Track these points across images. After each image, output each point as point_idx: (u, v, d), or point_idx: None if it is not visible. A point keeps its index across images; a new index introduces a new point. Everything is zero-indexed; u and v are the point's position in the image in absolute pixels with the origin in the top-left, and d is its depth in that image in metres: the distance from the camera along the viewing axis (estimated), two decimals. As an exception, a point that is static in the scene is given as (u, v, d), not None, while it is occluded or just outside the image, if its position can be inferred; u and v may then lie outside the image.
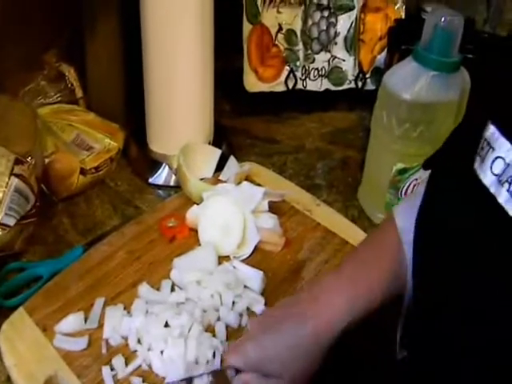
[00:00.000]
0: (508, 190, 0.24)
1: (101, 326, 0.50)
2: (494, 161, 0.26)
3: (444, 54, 0.60)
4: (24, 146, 0.63)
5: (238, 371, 0.41)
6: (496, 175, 0.25)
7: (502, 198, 0.25)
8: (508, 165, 0.24)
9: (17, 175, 0.60)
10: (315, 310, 0.40)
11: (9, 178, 0.59)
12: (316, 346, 0.39)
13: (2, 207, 0.57)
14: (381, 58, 0.88)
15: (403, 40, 0.77)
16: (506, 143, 0.25)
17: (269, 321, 0.43)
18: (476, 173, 0.27)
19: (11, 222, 0.58)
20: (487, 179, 0.26)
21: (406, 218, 0.39)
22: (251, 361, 0.41)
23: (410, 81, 0.61)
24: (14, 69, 0.75)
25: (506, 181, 0.25)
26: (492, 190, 0.26)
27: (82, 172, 0.69)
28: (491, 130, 0.26)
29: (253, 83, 0.85)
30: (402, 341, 0.41)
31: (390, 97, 0.63)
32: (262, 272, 0.55)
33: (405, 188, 0.64)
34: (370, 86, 0.88)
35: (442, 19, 0.58)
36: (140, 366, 0.46)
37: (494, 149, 0.26)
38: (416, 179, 0.63)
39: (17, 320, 0.50)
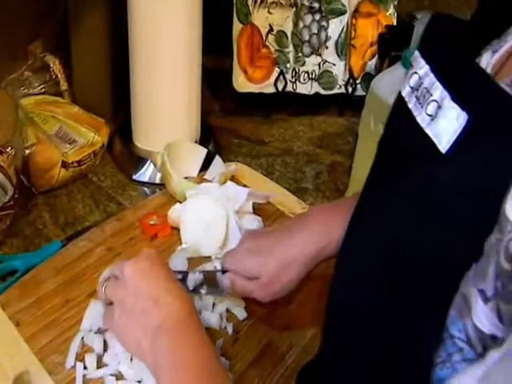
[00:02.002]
0: (416, 96, 0.31)
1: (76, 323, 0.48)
2: (411, 76, 0.32)
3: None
4: (3, 135, 0.62)
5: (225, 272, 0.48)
6: (411, 87, 0.32)
7: (411, 103, 0.32)
8: (420, 77, 0.31)
9: (-4, 165, 0.58)
10: (304, 232, 0.46)
11: (-13, 168, 0.57)
12: (297, 260, 0.45)
13: (-21, 198, 0.56)
14: (371, 64, 0.88)
15: (394, 46, 0.78)
16: (422, 61, 0.32)
17: (258, 232, 0.50)
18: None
19: (-12, 213, 0.56)
20: (405, 92, 0.33)
21: None
22: (236, 260, 0.47)
23: (397, 86, 0.60)
24: (-2, 57, 0.74)
25: (416, 89, 0.31)
26: (406, 99, 0.32)
27: (64, 165, 0.68)
28: (416, 54, 0.33)
29: (242, 83, 0.85)
30: None
31: (377, 102, 0.63)
32: None
33: (390, 194, 0.64)
34: (360, 92, 0.88)
35: (432, 26, 0.59)
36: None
37: (413, 67, 0.33)
38: (402, 185, 0.63)
39: (-11, 314, 0.48)
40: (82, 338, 0.47)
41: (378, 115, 0.62)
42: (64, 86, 0.80)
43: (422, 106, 0.30)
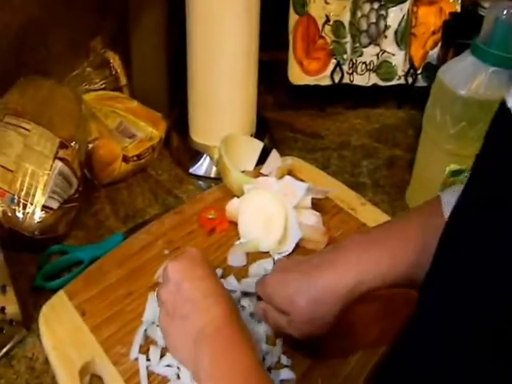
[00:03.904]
0: None
1: (139, 315, 0.49)
2: None
3: (505, 48, 0.56)
4: (68, 130, 0.63)
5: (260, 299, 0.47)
6: None
7: None
8: None
9: (61, 159, 0.60)
10: (336, 266, 0.41)
11: (53, 162, 0.59)
12: (329, 298, 0.41)
13: (46, 190, 0.58)
14: (433, 53, 0.84)
15: (459, 34, 0.74)
16: None
17: (290, 263, 0.46)
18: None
19: (54, 205, 0.58)
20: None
21: (452, 195, 0.39)
22: (264, 293, 0.45)
23: (467, 76, 0.58)
24: (61, 54, 0.76)
25: None
26: None
27: (125, 159, 0.69)
28: None
29: (297, 76, 0.83)
30: None
31: (444, 93, 0.60)
32: None
33: (458, 190, 0.60)
34: (421, 83, 0.85)
35: (504, 12, 0.55)
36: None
37: None
38: (471, 181, 0.60)
39: (57, 303, 0.50)
40: (146, 331, 0.47)
41: (445, 107, 0.59)
42: (123, 81, 0.81)
43: None
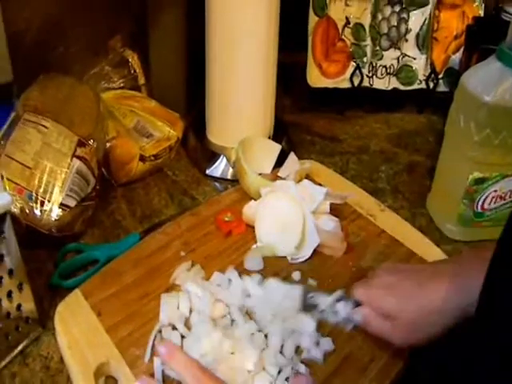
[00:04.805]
0: None
1: (154, 316, 0.49)
2: None
3: (532, 55, 0.55)
4: (87, 128, 0.63)
5: (358, 305, 0.44)
6: None
7: None
8: None
9: (79, 157, 0.60)
10: (455, 282, 0.40)
11: (71, 160, 0.59)
12: (438, 312, 0.40)
13: (64, 188, 0.58)
14: (455, 58, 0.83)
15: (483, 39, 0.72)
16: None
17: (402, 267, 0.46)
18: None
19: (72, 203, 0.58)
20: None
21: None
22: (371, 294, 0.43)
23: (492, 82, 0.57)
24: (80, 53, 0.76)
25: None
26: None
27: (142, 159, 0.69)
28: None
29: (316, 78, 0.82)
30: None
31: (468, 99, 0.58)
32: None
33: (482, 200, 0.59)
34: (442, 88, 0.83)
35: (532, 17, 0.54)
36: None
37: None
38: (495, 190, 0.58)
39: (73, 302, 0.50)
40: (161, 332, 0.47)
41: (469, 112, 0.58)
42: (142, 80, 0.81)
43: None
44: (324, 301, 0.46)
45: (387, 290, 0.43)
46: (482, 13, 0.84)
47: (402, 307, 0.41)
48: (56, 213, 0.57)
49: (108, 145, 0.67)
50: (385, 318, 0.42)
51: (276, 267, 0.55)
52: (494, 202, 0.60)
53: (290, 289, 0.48)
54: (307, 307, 0.46)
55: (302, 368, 0.45)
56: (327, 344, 0.46)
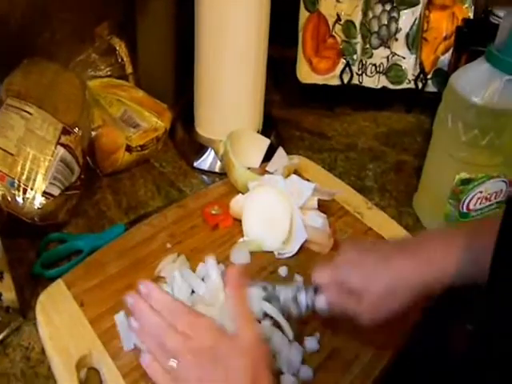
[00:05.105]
0: None
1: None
2: None
3: (521, 57, 0.55)
4: (72, 116, 0.62)
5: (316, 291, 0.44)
6: None
7: None
8: None
9: (63, 145, 0.59)
10: (418, 258, 0.40)
11: (55, 147, 0.58)
12: (402, 287, 0.40)
13: (47, 176, 0.57)
14: (444, 58, 0.84)
15: (472, 41, 0.73)
16: None
17: (365, 244, 0.46)
18: None
19: (55, 191, 0.57)
20: None
21: None
22: (336, 272, 0.43)
23: (480, 84, 0.57)
24: (66, 39, 0.74)
25: None
26: None
27: (128, 149, 0.68)
28: None
29: (306, 74, 0.82)
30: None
31: (457, 100, 0.59)
32: None
33: (467, 200, 0.60)
34: (430, 88, 0.84)
35: (521, 20, 0.54)
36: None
37: None
38: (481, 192, 0.59)
39: (55, 291, 0.49)
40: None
41: (457, 113, 0.59)
42: (129, 69, 0.80)
43: None
44: (284, 293, 0.45)
45: (351, 266, 0.43)
46: (471, 15, 0.85)
47: (367, 283, 0.41)
48: (39, 201, 0.55)
49: (93, 133, 0.66)
50: (349, 295, 0.42)
51: (263, 262, 0.55)
52: (480, 203, 0.61)
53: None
54: (271, 298, 0.45)
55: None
56: (306, 372, 0.44)
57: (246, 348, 0.36)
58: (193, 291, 0.49)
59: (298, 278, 0.53)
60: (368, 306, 0.41)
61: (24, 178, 0.55)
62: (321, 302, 0.44)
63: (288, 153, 0.69)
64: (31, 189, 0.55)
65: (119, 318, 0.45)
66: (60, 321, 0.46)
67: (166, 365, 0.36)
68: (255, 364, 0.35)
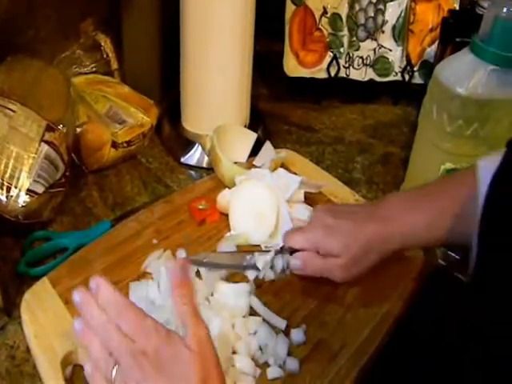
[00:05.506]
0: None
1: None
2: None
3: (504, 47, 0.55)
4: (56, 113, 0.62)
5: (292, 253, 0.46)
6: None
7: None
8: None
9: (47, 142, 0.58)
10: (386, 224, 0.45)
11: (39, 145, 0.58)
12: (378, 245, 0.45)
13: (31, 173, 0.56)
14: (431, 51, 0.84)
15: (457, 32, 0.73)
16: None
17: (336, 209, 0.49)
18: None
19: (40, 189, 0.56)
20: None
21: (487, 170, 0.41)
22: (314, 237, 0.46)
23: (465, 74, 0.57)
24: (51, 36, 0.73)
25: None
26: None
27: (114, 145, 0.67)
28: None
29: (293, 67, 0.82)
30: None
31: (441, 90, 0.59)
32: None
33: (453, 190, 0.60)
34: (417, 80, 0.84)
35: (504, 10, 0.54)
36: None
37: None
38: (466, 181, 0.59)
39: (40, 289, 0.49)
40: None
41: (442, 104, 0.59)
42: (114, 65, 0.79)
43: None
44: (261, 259, 0.47)
45: (326, 230, 0.46)
46: (457, 6, 0.85)
47: (343, 246, 0.45)
48: (23, 199, 0.55)
49: (78, 130, 0.65)
50: (324, 257, 0.45)
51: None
52: (465, 193, 0.61)
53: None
54: (247, 267, 0.47)
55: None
56: (292, 364, 0.44)
57: (193, 350, 0.34)
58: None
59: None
60: (342, 267, 0.45)
61: (7, 176, 0.55)
62: (297, 261, 0.46)
63: (275, 146, 0.68)
64: (15, 187, 0.55)
65: None
66: (45, 319, 0.46)
67: (107, 374, 0.34)
68: (204, 366, 0.33)
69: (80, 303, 0.37)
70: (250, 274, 0.49)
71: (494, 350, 0.30)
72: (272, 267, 0.47)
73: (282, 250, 0.48)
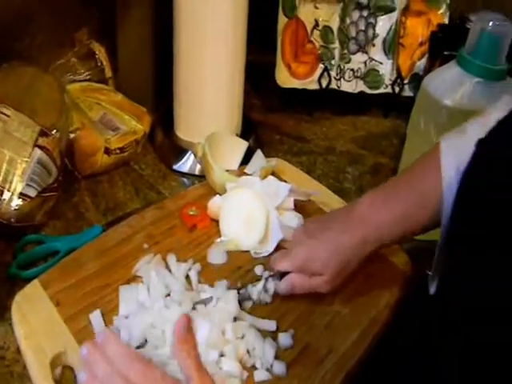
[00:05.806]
0: None
1: (115, 307, 0.48)
2: None
3: (490, 60, 0.57)
4: (50, 118, 0.62)
5: (282, 277, 0.50)
6: None
7: None
8: None
9: (40, 147, 0.59)
10: (357, 233, 0.48)
11: (32, 149, 0.58)
12: (356, 251, 0.48)
13: (24, 177, 0.57)
14: (420, 64, 0.86)
15: (446, 46, 0.75)
16: None
17: (312, 228, 0.52)
18: None
19: (32, 193, 0.57)
20: None
21: (449, 157, 0.45)
22: (297, 261, 0.49)
23: (451, 86, 0.59)
24: (46, 43, 0.74)
25: None
26: None
27: (107, 151, 0.68)
28: None
29: (285, 78, 0.83)
30: (434, 275, 0.47)
31: (429, 102, 0.61)
32: None
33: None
34: (407, 93, 0.86)
35: (490, 24, 0.56)
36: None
37: None
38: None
39: (31, 292, 0.49)
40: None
41: (430, 116, 0.60)
42: (109, 73, 0.80)
43: None
44: (255, 290, 0.50)
45: (313, 253, 0.49)
46: (446, 20, 0.87)
47: (324, 266, 0.48)
48: (15, 202, 0.56)
49: (72, 136, 0.66)
50: (309, 276, 0.49)
51: (239, 261, 0.56)
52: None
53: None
54: (243, 300, 0.50)
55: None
56: (280, 367, 0.45)
57: None
58: (168, 294, 0.49)
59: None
60: (328, 282, 0.49)
61: (0, 179, 0.55)
62: (287, 285, 0.50)
63: (267, 156, 0.69)
64: (8, 190, 0.55)
65: (94, 316, 0.45)
66: (35, 320, 0.46)
67: None
68: None
69: (88, 356, 0.37)
70: (246, 303, 0.51)
71: (472, 337, 0.31)
72: (266, 291, 0.51)
73: (271, 275, 0.51)
